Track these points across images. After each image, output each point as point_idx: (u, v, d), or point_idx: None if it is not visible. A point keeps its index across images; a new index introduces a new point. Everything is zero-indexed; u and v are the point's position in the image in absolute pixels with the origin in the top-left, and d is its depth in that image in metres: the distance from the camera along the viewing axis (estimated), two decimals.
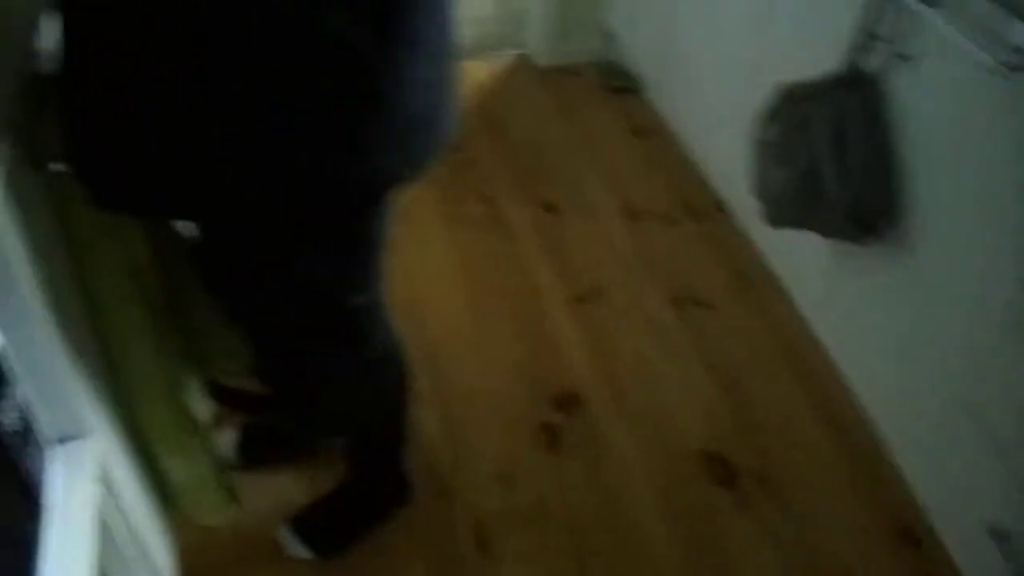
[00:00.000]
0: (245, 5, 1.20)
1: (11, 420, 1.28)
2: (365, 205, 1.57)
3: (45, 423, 1.41)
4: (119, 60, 1.27)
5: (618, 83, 3.83)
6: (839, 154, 2.23)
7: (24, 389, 1.34)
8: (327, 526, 2.21)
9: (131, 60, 1.26)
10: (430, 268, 2.92)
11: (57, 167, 1.46)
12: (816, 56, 2.35)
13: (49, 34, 1.44)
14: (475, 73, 3.89)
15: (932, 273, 2.19)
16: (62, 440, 1.46)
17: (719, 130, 3.07)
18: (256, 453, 2.36)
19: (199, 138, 1.30)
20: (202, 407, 1.88)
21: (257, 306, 1.73)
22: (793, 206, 2.37)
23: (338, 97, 1.31)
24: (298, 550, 2.17)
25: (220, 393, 2.10)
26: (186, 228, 1.76)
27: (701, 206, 3.21)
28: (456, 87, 1.53)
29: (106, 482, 1.55)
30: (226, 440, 2.33)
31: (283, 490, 2.28)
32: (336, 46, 1.27)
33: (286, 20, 1.23)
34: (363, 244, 1.65)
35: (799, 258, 2.67)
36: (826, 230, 2.37)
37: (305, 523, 2.20)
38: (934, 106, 2.11)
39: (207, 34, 1.22)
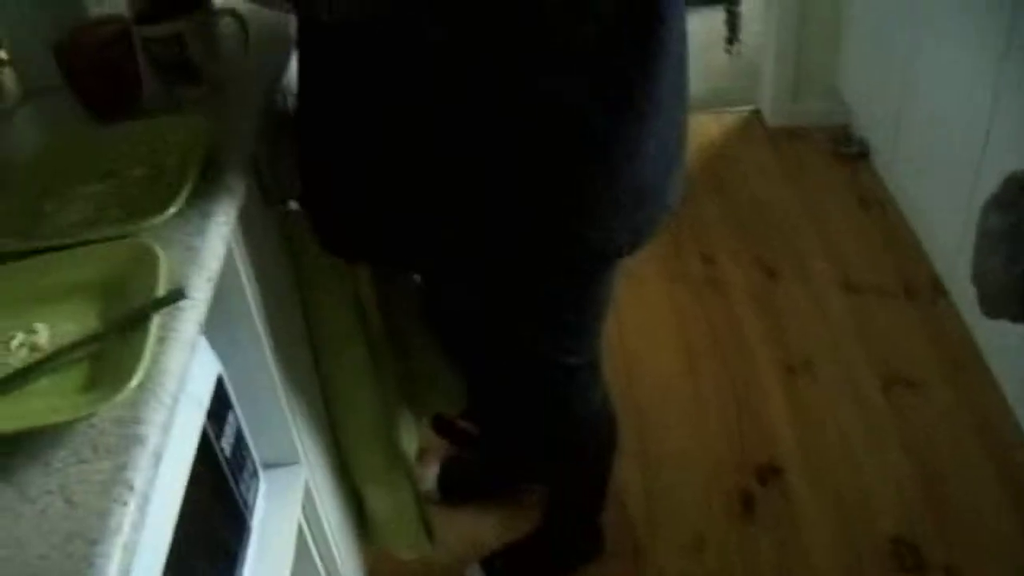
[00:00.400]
0: (487, 68, 1.27)
1: (228, 444, 1.33)
2: (590, 273, 1.61)
3: (258, 449, 1.49)
4: (352, 107, 1.36)
5: (847, 149, 3.85)
6: None
7: (241, 415, 1.41)
8: (517, 570, 2.30)
9: (364, 109, 1.35)
10: (646, 325, 3.03)
11: (291, 205, 1.57)
12: None
13: (292, 74, 1.57)
14: (704, 128, 3.97)
15: None
16: (272, 465, 1.58)
17: (945, 208, 3.06)
18: (455, 490, 2.47)
19: (429, 190, 1.37)
20: (410, 442, 1.97)
21: (477, 359, 1.82)
22: (1010, 299, 2.37)
23: (569, 165, 1.36)
24: None
25: (440, 424, 2.23)
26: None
27: (920, 284, 3.21)
28: (685, 154, 1.55)
29: (309, 508, 1.67)
30: (428, 475, 2.46)
31: (476, 530, 2.40)
32: (571, 117, 1.32)
33: (526, 87, 1.29)
34: (586, 311, 1.69)
35: (1014, 350, 2.66)
36: None
37: (496, 565, 2.29)
38: None
39: (444, 90, 1.29)
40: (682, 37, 1.42)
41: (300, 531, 1.63)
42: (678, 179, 1.54)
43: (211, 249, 1.19)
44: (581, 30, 1.27)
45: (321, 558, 1.76)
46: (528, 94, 1.29)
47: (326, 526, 1.75)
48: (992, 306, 2.44)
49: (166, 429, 0.95)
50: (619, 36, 1.29)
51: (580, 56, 1.28)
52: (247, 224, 1.39)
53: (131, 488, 0.87)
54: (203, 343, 1.29)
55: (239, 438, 1.40)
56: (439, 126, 1.32)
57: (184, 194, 1.24)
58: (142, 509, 0.87)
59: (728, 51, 4.28)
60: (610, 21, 1.27)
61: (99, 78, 1.50)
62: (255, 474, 1.47)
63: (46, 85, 1.57)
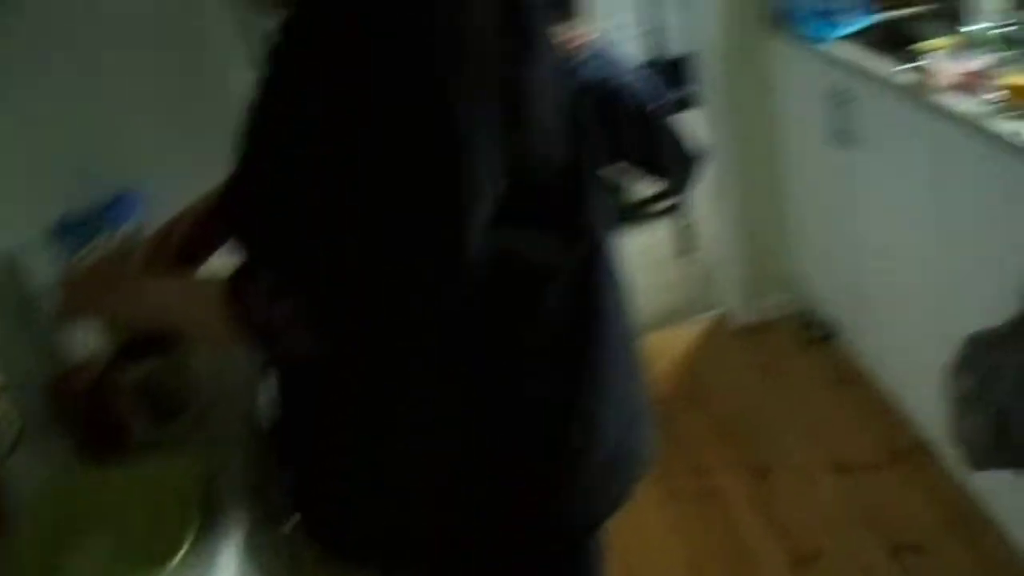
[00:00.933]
0: (447, 372, 1.32)
1: None
2: (570, 553, 1.56)
3: None
4: (327, 420, 1.40)
5: (814, 333, 3.89)
6: None
7: None
8: None
9: (339, 420, 1.39)
10: (648, 550, 2.97)
11: (291, 523, 1.58)
12: (1005, 297, 2.38)
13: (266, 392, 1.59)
14: (672, 341, 3.99)
15: None
16: None
17: (915, 372, 3.09)
18: None
19: (395, 489, 1.39)
20: None
21: None
22: (992, 450, 2.34)
23: (532, 453, 1.39)
24: None
25: None
26: None
27: (907, 449, 3.19)
28: (649, 414, 1.58)
29: None
30: None
31: None
32: (530, 406, 1.37)
33: (485, 382, 1.34)
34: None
35: (1012, 495, 2.60)
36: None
37: None
38: None
39: (408, 400, 1.34)
40: (622, 305, 1.49)
41: None
42: (648, 433, 1.57)
43: None
44: (531, 335, 1.34)
45: None
46: (492, 387, 1.34)
47: None
48: (979, 461, 2.43)
49: None
50: (569, 338, 1.37)
51: (535, 357, 1.35)
52: (253, 550, 1.42)
53: None
54: None
55: None
56: (409, 437, 1.36)
57: (187, 539, 1.30)
58: None
59: (685, 262, 4.34)
60: (559, 326, 1.35)
61: (87, 420, 1.58)
62: None
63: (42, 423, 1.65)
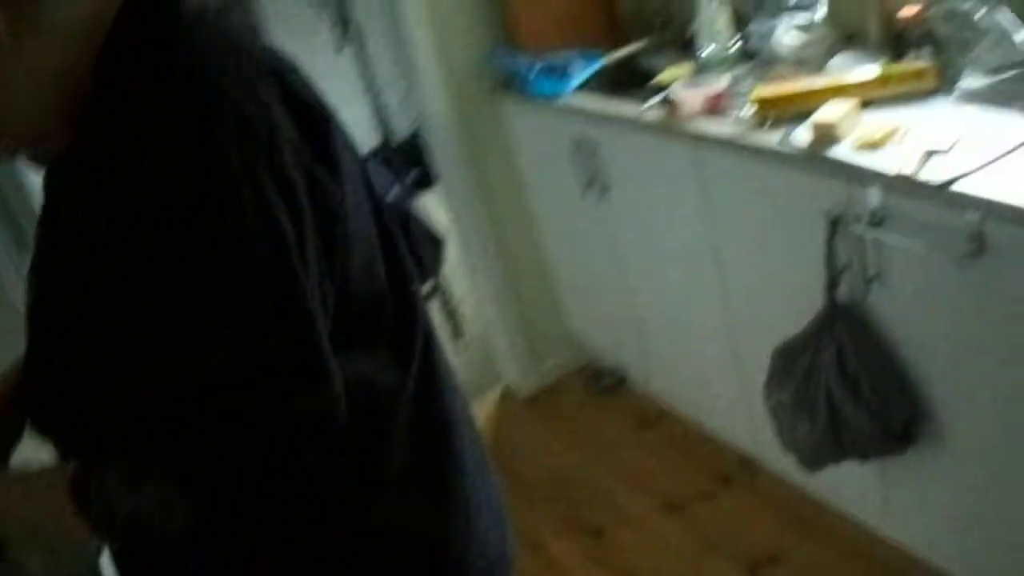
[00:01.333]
0: (317, 510, 1.22)
1: None
2: None
3: None
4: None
5: (604, 383, 3.89)
6: (852, 388, 2.28)
7: None
8: None
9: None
10: None
11: None
12: (797, 304, 2.41)
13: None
14: None
15: (980, 454, 2.24)
16: None
17: (718, 394, 3.13)
18: None
19: None
20: None
21: None
22: (826, 448, 2.39)
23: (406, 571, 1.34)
24: None
25: None
26: None
27: (733, 471, 3.22)
28: (507, 512, 1.55)
29: None
30: None
31: None
32: (405, 533, 1.31)
33: (354, 516, 1.26)
34: None
35: (848, 485, 2.66)
36: (865, 455, 2.39)
37: None
38: (915, 311, 2.21)
39: (280, 542, 1.24)
40: (466, 409, 1.51)
41: None
42: (510, 531, 1.56)
43: None
44: (388, 456, 1.30)
45: None
46: (366, 529, 1.29)
47: None
48: (812, 463, 2.46)
49: None
50: (427, 454, 1.35)
51: (394, 479, 1.31)
52: None
53: None
54: None
55: None
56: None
57: None
58: None
59: (456, 344, 4.29)
60: (409, 436, 1.32)
61: None
62: None
63: None
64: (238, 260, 1.05)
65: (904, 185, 2.03)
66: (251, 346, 1.06)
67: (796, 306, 2.42)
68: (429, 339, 1.40)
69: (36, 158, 1.21)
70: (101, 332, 1.11)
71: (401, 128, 5.10)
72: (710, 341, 3.01)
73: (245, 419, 1.07)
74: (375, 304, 1.28)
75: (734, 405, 3.02)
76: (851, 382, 2.28)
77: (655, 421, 3.59)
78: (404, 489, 1.32)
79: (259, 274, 1.06)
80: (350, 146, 1.29)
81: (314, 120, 1.18)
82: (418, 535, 1.34)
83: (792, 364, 2.41)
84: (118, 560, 1.36)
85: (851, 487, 2.67)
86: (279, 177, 1.08)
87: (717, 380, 3.06)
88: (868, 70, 2.45)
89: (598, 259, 3.47)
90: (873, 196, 2.13)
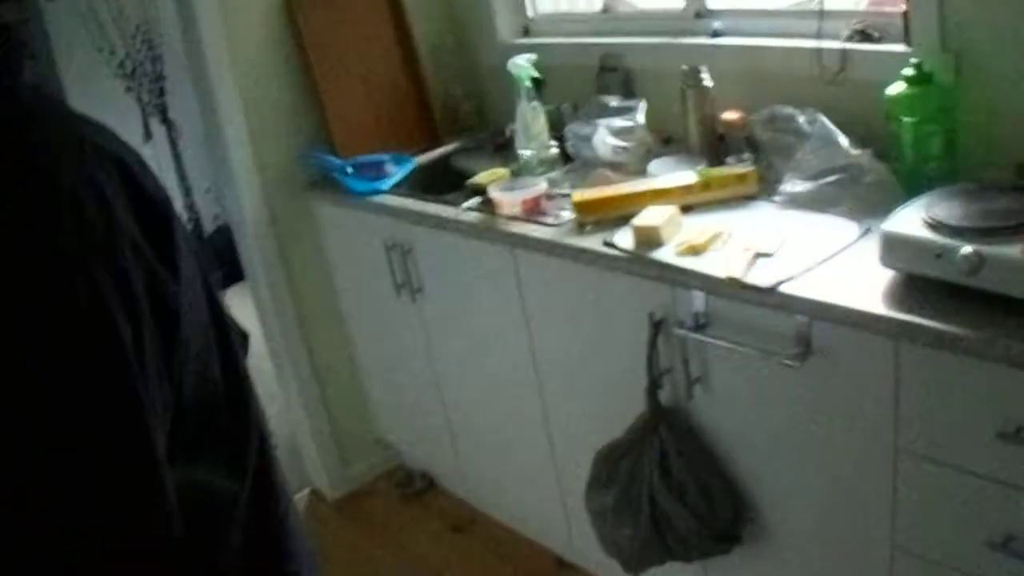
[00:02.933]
0: None
1: None
2: None
3: None
4: None
5: (414, 487, 3.81)
6: (676, 490, 2.28)
7: None
8: None
9: None
10: None
11: None
12: (618, 407, 2.38)
13: None
14: None
15: (802, 554, 2.26)
16: None
17: (534, 496, 3.10)
18: None
19: None
20: None
21: None
22: (651, 551, 2.37)
23: None
24: None
25: None
26: None
27: (546, 572, 3.18)
28: None
29: None
30: None
31: None
32: None
33: None
34: None
35: None
36: (687, 557, 2.38)
37: None
38: (740, 413, 2.23)
39: None
40: (297, 516, 1.40)
41: None
42: None
43: None
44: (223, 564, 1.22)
45: None
46: None
47: None
48: (635, 566, 2.45)
49: None
50: (258, 554, 1.27)
51: None
52: None
53: None
54: None
55: None
56: None
57: None
58: None
59: None
60: (243, 543, 1.23)
61: None
62: None
63: None
64: (71, 366, 0.97)
65: (730, 288, 2.04)
66: (82, 459, 0.98)
67: (618, 409, 2.41)
68: (264, 441, 1.32)
69: None
70: None
71: (209, 220, 4.98)
72: (527, 444, 2.97)
73: (75, 541, 0.98)
74: (209, 407, 1.19)
75: (550, 508, 2.98)
76: (675, 484, 2.27)
77: (468, 524, 3.53)
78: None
79: (92, 383, 0.98)
80: (188, 239, 1.20)
81: (157, 216, 1.11)
82: None
83: (615, 468, 2.39)
84: None
85: None
86: (119, 279, 1.00)
87: (533, 483, 3.03)
88: (688, 174, 2.47)
89: (410, 361, 3.40)
90: (697, 299, 2.13)
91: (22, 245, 0.96)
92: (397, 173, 3.18)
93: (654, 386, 2.30)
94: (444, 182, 3.11)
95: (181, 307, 1.11)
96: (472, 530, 3.50)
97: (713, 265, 2.10)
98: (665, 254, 2.20)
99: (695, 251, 2.16)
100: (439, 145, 3.44)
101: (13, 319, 0.94)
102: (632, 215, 2.33)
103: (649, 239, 2.24)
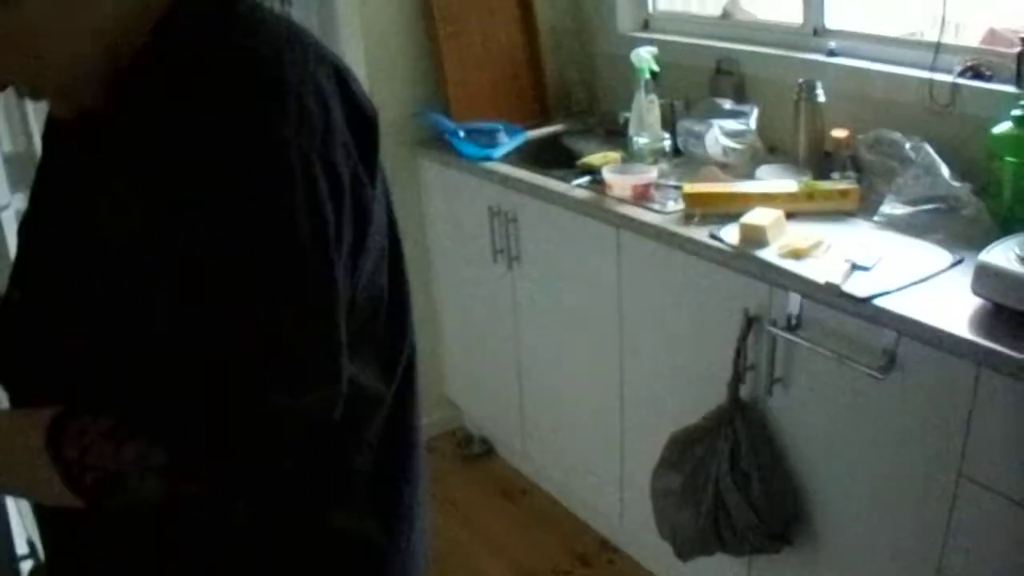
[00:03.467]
0: (280, 505, 1.24)
1: None
2: None
3: None
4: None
5: (471, 450, 3.95)
6: (740, 484, 2.39)
7: None
8: None
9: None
10: None
11: None
12: (699, 395, 2.51)
13: None
14: None
15: (846, 564, 2.36)
16: None
17: (593, 473, 3.21)
18: None
19: None
20: None
21: None
22: (706, 539, 2.48)
23: None
24: None
25: None
26: None
27: (590, 552, 3.30)
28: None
29: None
30: None
31: None
32: (347, 541, 1.32)
33: (298, 520, 1.27)
34: None
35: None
36: (738, 551, 2.51)
37: None
38: (815, 417, 2.33)
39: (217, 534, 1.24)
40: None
41: None
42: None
43: None
44: (356, 462, 1.31)
45: None
46: (318, 533, 1.29)
47: None
48: (689, 551, 2.55)
49: None
50: (388, 460, 1.36)
51: (358, 485, 1.32)
52: None
53: None
54: None
55: None
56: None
57: None
58: None
59: None
60: (378, 445, 1.33)
61: None
62: None
63: None
64: (281, 239, 1.07)
65: (827, 295, 2.16)
66: (275, 325, 1.07)
67: (695, 397, 2.54)
68: (412, 355, 1.43)
69: (37, 96, 1.20)
70: (127, 282, 1.10)
71: None
72: (596, 423, 3.09)
73: (252, 398, 1.07)
74: (374, 310, 1.30)
75: (607, 487, 3.10)
76: (741, 478, 2.39)
77: (519, 493, 3.66)
78: (362, 499, 1.33)
79: (298, 258, 1.08)
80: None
81: (365, 125, 1.22)
82: (365, 548, 1.35)
83: (686, 452, 2.51)
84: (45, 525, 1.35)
85: None
86: (329, 170, 1.11)
87: (596, 460, 3.15)
88: (792, 183, 2.60)
89: (494, 327, 3.52)
90: (794, 301, 2.26)
91: (250, 132, 1.07)
92: (508, 143, 3.32)
93: (736, 379, 2.42)
94: (552, 159, 3.24)
95: (373, 212, 1.23)
96: (522, 500, 3.63)
97: (813, 270, 2.22)
98: (768, 254, 2.33)
99: (797, 255, 2.29)
100: (549, 123, 3.58)
101: (233, 192, 1.06)
102: (738, 214, 2.45)
103: (755, 237, 2.37)
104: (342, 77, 1.21)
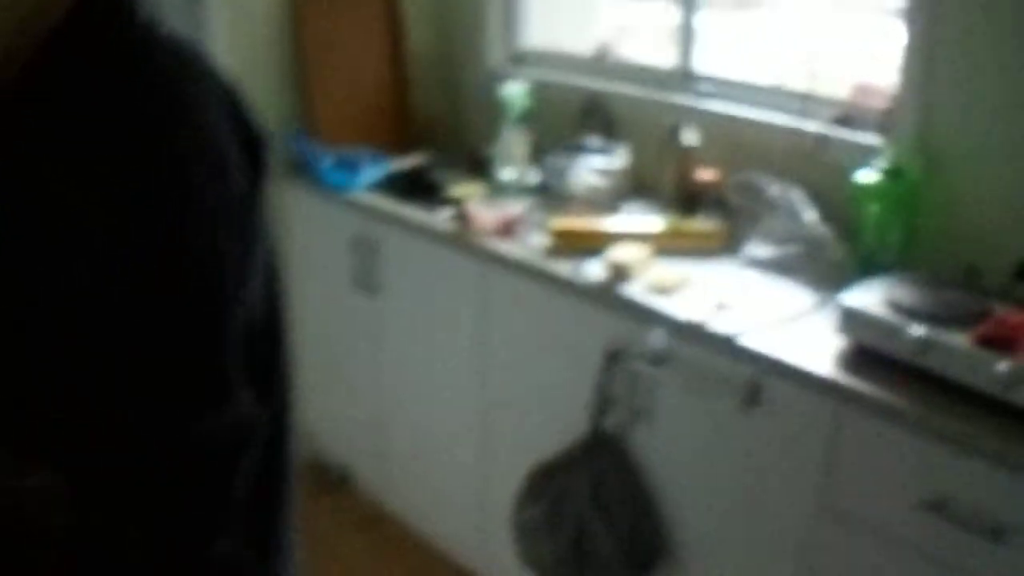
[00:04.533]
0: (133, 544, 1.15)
1: None
2: None
3: None
4: None
5: (326, 479, 3.84)
6: (603, 514, 2.37)
7: None
8: None
9: None
10: None
11: None
12: (559, 427, 2.48)
13: None
14: None
15: None
16: None
17: (453, 504, 3.17)
18: None
19: None
20: None
21: None
22: (567, 571, 2.46)
23: None
24: None
25: None
26: None
27: None
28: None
29: None
30: None
31: None
32: (225, 572, 1.25)
33: (178, 549, 1.19)
34: None
35: None
36: None
37: None
38: (678, 451, 2.33)
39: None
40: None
41: None
42: None
43: None
44: (234, 489, 1.24)
45: None
46: (198, 562, 1.22)
47: None
48: None
49: None
50: (264, 487, 1.29)
51: (235, 513, 1.25)
52: None
53: None
54: None
55: None
56: None
57: None
58: None
59: None
60: (255, 472, 1.27)
61: None
62: None
63: None
64: (184, 256, 1.05)
65: (692, 331, 2.16)
66: (173, 348, 1.05)
67: (557, 428, 2.52)
68: (289, 382, 1.39)
69: None
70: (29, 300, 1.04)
71: None
72: (457, 451, 3.05)
73: (157, 419, 1.05)
74: (251, 334, 1.24)
75: (468, 517, 3.06)
76: (604, 509, 2.37)
77: (377, 523, 3.57)
78: (239, 528, 1.26)
79: (202, 278, 1.07)
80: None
81: (255, 146, 1.19)
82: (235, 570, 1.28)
83: (548, 483, 2.48)
84: None
85: None
86: (226, 192, 1.09)
87: (456, 490, 3.10)
88: (658, 221, 2.60)
89: (352, 357, 3.46)
90: (658, 337, 2.24)
91: (154, 149, 1.03)
92: (372, 172, 3.26)
93: (599, 412, 2.40)
94: (417, 190, 3.19)
95: (260, 235, 1.19)
96: (380, 529, 3.54)
97: (678, 307, 2.22)
98: (633, 290, 2.32)
99: (662, 291, 2.28)
100: (414, 152, 3.53)
101: (140, 211, 1.01)
102: (603, 250, 2.45)
103: (621, 273, 2.36)
104: (234, 98, 1.18)
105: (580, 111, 3.21)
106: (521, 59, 3.63)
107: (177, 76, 1.09)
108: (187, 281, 1.06)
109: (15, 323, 1.05)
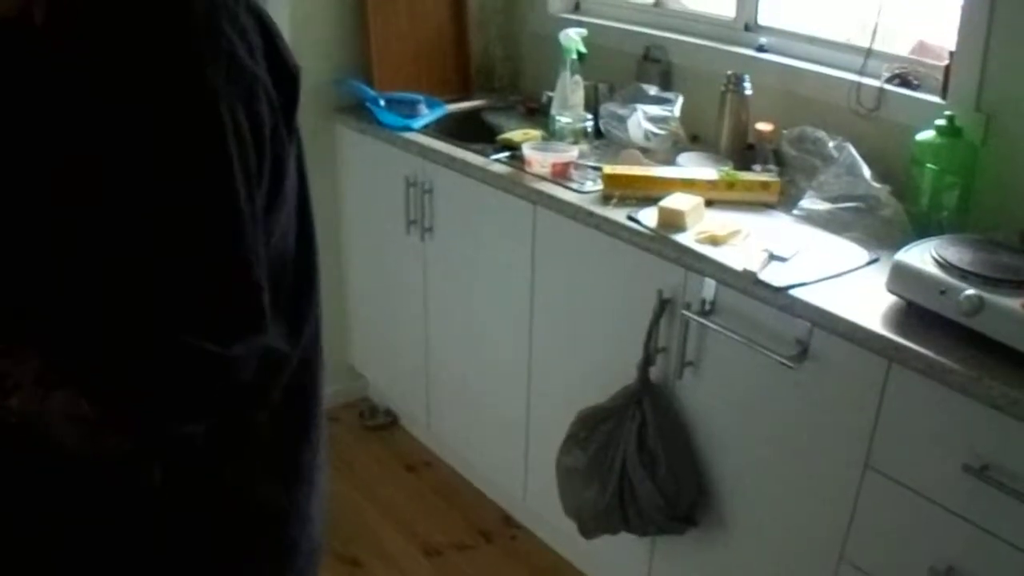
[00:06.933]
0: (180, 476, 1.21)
1: None
2: None
3: None
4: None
5: (374, 421, 3.89)
6: (647, 464, 2.37)
7: None
8: None
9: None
10: None
11: None
12: (607, 374, 2.49)
13: None
14: None
15: (750, 547, 2.37)
16: None
17: (498, 449, 3.19)
18: None
19: None
20: None
21: None
22: (610, 518, 2.47)
23: (254, 548, 1.35)
24: None
25: None
26: None
27: (493, 526, 3.28)
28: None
29: None
30: None
31: None
32: (243, 502, 1.32)
33: (196, 479, 1.25)
34: None
35: (614, 556, 2.76)
36: (643, 531, 2.49)
37: None
38: (724, 402, 2.34)
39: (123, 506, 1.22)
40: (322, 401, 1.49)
41: None
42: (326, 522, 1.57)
43: None
44: (258, 422, 1.30)
45: None
46: (215, 491, 1.28)
47: None
48: (593, 529, 2.54)
49: None
50: (289, 423, 1.36)
51: (257, 446, 1.32)
52: None
53: None
54: None
55: None
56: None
57: None
58: None
59: None
60: (280, 407, 1.33)
61: None
62: None
63: None
64: (210, 189, 1.07)
65: (743, 282, 2.16)
66: (204, 275, 1.08)
67: (605, 376, 2.52)
68: (318, 318, 1.42)
69: None
70: (51, 212, 1.08)
71: None
72: (503, 397, 3.06)
73: (181, 345, 1.07)
74: (282, 269, 1.29)
75: (512, 463, 3.08)
76: (648, 459, 2.38)
77: (422, 466, 3.62)
78: (261, 460, 1.33)
79: (226, 209, 1.09)
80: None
81: (287, 78, 1.21)
82: (260, 506, 1.34)
83: (594, 430, 2.49)
84: None
85: (617, 559, 2.76)
86: (254, 122, 1.11)
87: (501, 436, 3.12)
88: (712, 171, 2.59)
89: (402, 298, 3.47)
90: (708, 286, 2.25)
91: (184, 80, 1.06)
92: (428, 114, 3.27)
93: (647, 361, 2.41)
94: (472, 133, 3.20)
95: (288, 169, 1.23)
96: (425, 473, 3.59)
97: (730, 257, 2.22)
98: (685, 239, 2.32)
99: (715, 241, 2.28)
100: (470, 98, 3.54)
101: (169, 144, 1.05)
102: (657, 198, 2.44)
103: (673, 222, 2.36)
104: (268, 31, 1.20)
105: (638, 59, 3.20)
106: (581, 6, 3.62)
107: (212, 5, 1.11)
108: (218, 211, 1.08)
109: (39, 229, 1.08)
